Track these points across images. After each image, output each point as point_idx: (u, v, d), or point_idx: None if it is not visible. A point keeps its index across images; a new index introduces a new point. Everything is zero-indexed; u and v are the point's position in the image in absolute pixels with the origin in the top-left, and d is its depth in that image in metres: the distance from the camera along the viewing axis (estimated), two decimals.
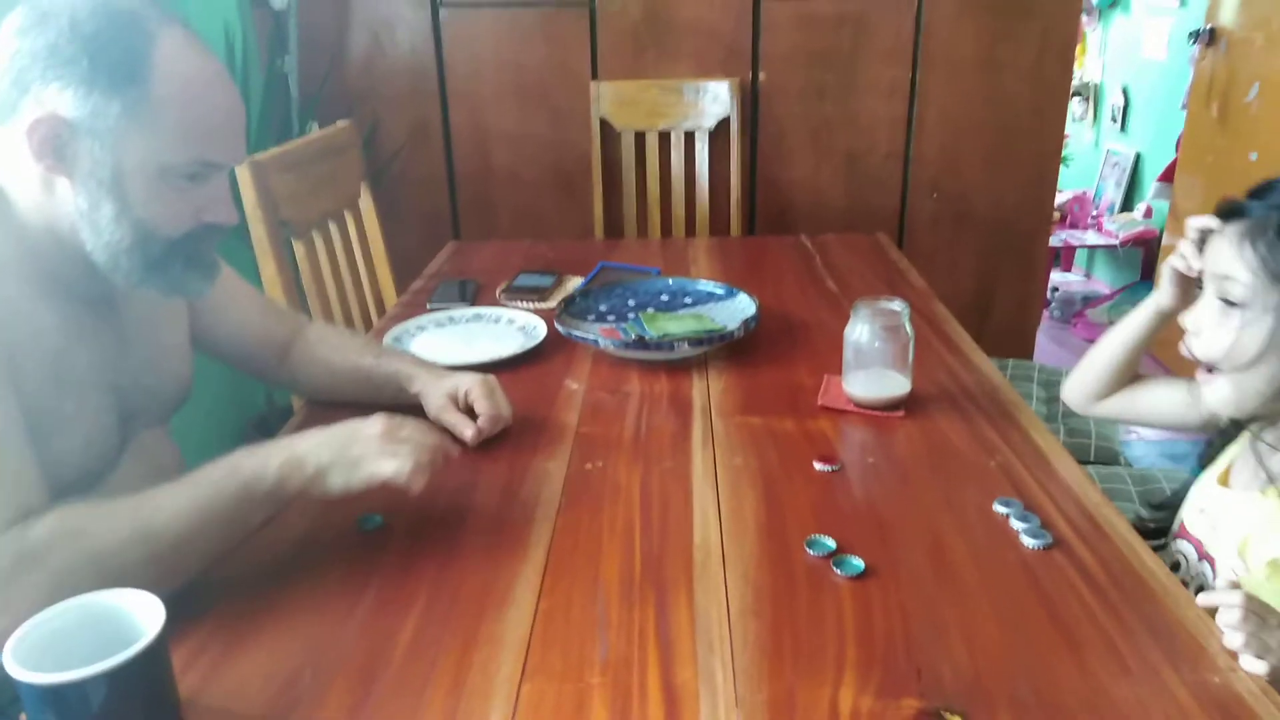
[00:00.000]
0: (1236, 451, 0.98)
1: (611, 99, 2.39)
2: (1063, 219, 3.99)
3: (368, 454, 0.87)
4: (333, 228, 1.64)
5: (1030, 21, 2.36)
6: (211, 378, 1.12)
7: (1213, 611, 0.77)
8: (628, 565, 0.88)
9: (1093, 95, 4.26)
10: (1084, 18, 4.25)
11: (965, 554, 0.89)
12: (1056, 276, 4.04)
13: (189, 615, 0.80)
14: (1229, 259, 0.87)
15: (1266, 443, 0.92)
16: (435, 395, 1.14)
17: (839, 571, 0.86)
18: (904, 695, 0.71)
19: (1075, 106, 4.36)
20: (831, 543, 0.90)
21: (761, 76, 2.40)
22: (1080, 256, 4.19)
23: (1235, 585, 0.76)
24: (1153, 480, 1.56)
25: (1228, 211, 0.90)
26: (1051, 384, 1.89)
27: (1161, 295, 1.02)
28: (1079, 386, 1.15)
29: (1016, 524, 0.92)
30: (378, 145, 2.44)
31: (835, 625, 0.79)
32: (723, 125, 2.38)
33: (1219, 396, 0.91)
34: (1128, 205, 3.93)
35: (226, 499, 0.82)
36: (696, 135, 2.39)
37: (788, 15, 2.35)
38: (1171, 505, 1.05)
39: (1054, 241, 3.81)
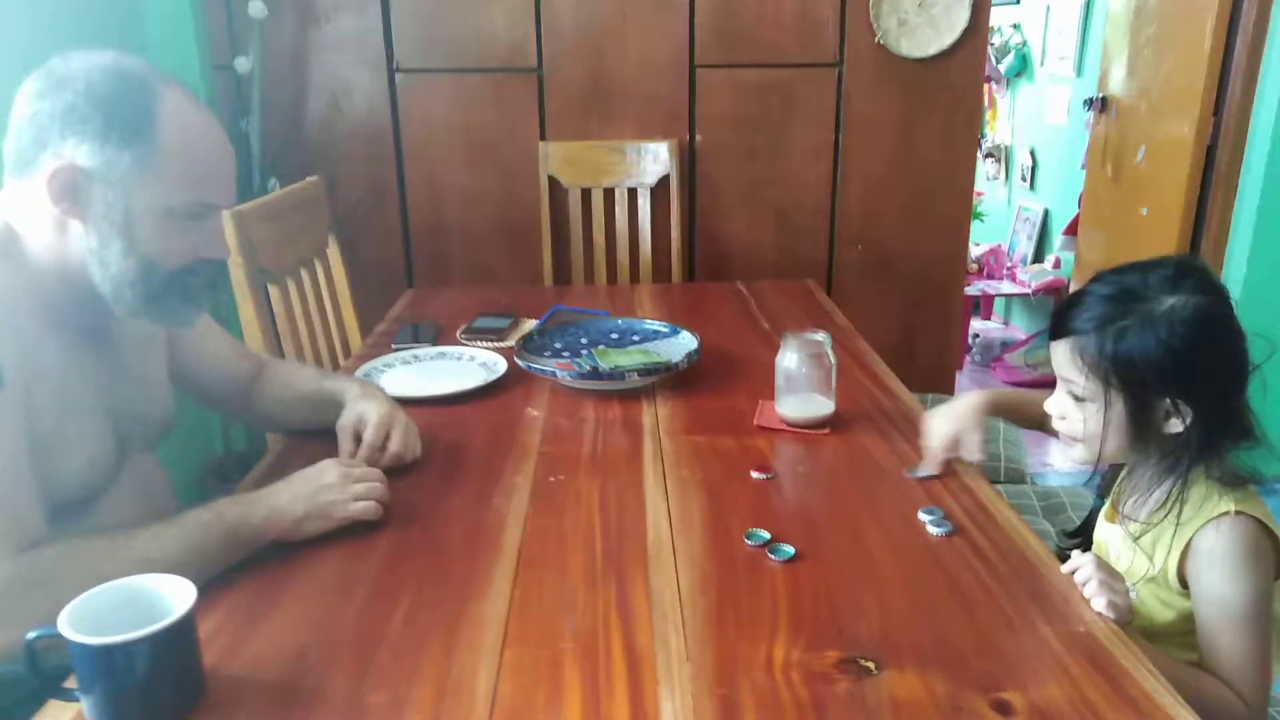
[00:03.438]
0: (1119, 489, 1.14)
1: (559, 158, 2.56)
2: (980, 270, 4.26)
3: (336, 500, 1.04)
4: (304, 274, 1.76)
5: (939, 91, 2.60)
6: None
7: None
8: (590, 558, 1.01)
9: (1004, 156, 4.60)
10: (994, 85, 4.60)
11: (881, 542, 1.04)
12: (977, 324, 4.30)
13: (203, 603, 0.90)
14: (1066, 367, 1.04)
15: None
16: (345, 413, 1.25)
17: (773, 557, 1.00)
18: (827, 648, 0.85)
19: (989, 167, 4.69)
20: (766, 534, 1.04)
21: (698, 138, 2.59)
22: (999, 305, 4.47)
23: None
24: (1054, 497, 1.74)
25: (1057, 327, 1.06)
26: None
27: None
28: None
29: (924, 516, 1.07)
30: (335, 203, 2.56)
31: (770, 599, 0.93)
32: (663, 182, 2.56)
33: (1079, 457, 1.08)
34: (1039, 257, 4.23)
35: (213, 538, 0.95)
36: (639, 191, 2.56)
37: (721, 83, 2.56)
38: (1082, 533, 1.21)
39: (973, 291, 4.07)
